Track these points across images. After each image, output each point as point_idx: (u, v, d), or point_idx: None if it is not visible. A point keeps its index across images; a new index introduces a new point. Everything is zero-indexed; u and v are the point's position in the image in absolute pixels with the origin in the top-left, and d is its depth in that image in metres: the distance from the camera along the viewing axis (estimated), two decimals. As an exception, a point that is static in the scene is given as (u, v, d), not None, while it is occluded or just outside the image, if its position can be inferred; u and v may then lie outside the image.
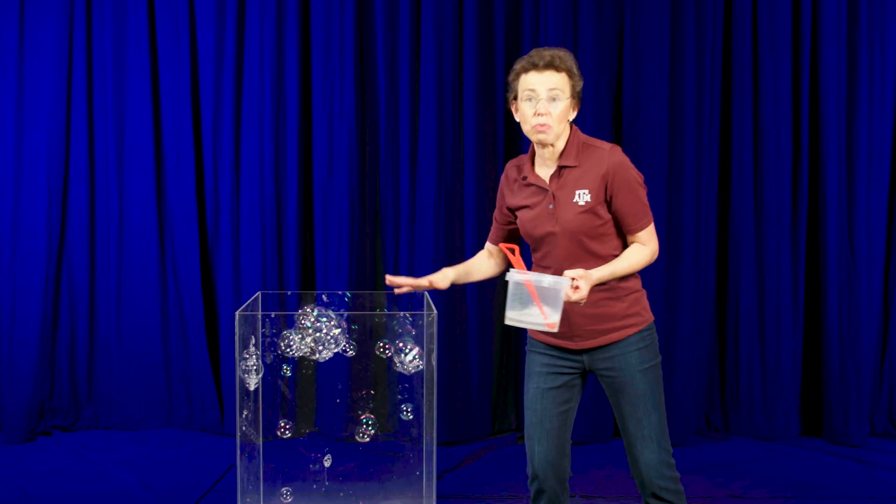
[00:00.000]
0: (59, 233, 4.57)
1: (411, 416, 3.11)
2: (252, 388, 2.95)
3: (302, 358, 2.93)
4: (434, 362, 2.91)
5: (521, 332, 4.60)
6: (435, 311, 2.89)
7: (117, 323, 4.63)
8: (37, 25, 4.51)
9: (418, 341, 2.94)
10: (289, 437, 3.13)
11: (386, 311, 3.64)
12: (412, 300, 3.94)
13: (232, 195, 4.54)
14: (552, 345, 2.59)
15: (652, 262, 2.56)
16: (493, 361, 4.55)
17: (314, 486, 3.29)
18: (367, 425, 3.07)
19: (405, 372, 2.93)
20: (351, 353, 2.98)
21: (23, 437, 4.44)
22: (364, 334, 3.18)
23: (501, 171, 4.51)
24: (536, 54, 2.48)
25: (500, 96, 4.50)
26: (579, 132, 2.54)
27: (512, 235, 2.73)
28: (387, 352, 2.95)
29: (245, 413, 2.96)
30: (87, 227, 4.60)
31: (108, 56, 4.54)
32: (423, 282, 2.62)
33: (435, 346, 2.89)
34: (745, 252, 4.44)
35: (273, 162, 4.50)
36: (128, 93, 4.57)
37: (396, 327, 3.02)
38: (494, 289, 4.55)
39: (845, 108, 4.39)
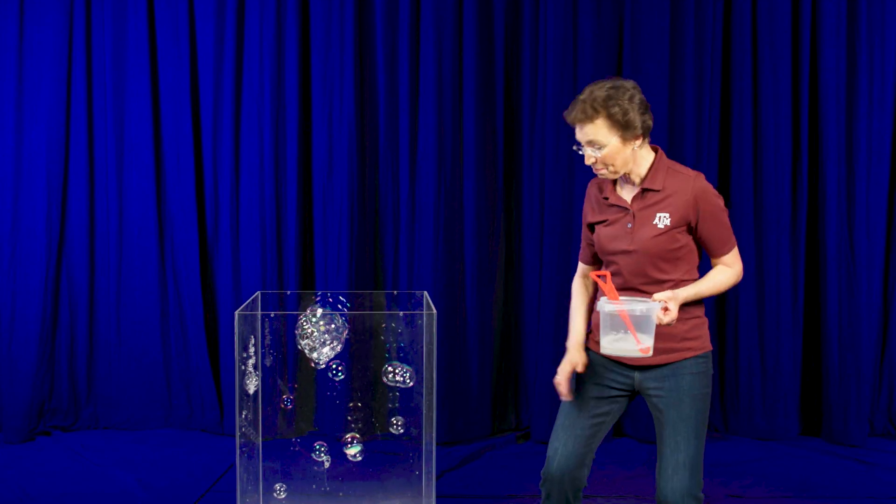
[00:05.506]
0: (58, 233, 4.57)
1: (402, 431, 3.11)
2: (251, 390, 2.95)
3: (306, 358, 2.94)
4: (434, 362, 2.91)
5: (520, 332, 4.61)
6: (435, 311, 2.89)
7: (117, 323, 4.63)
8: (37, 25, 4.50)
9: (418, 341, 2.94)
10: (324, 460, 3.14)
11: (385, 311, 3.64)
12: (412, 300, 3.94)
13: (232, 195, 4.54)
14: (608, 357, 2.56)
15: (737, 283, 2.58)
16: (493, 361, 4.55)
17: (314, 486, 3.29)
18: (354, 443, 3.09)
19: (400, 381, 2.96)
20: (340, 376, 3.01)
21: (22, 437, 4.44)
22: (364, 334, 3.18)
23: (501, 171, 4.52)
24: (571, 107, 2.49)
25: (499, 96, 4.50)
26: (664, 157, 2.54)
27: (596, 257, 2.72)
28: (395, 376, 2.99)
29: (245, 413, 2.96)
30: (87, 227, 4.60)
31: (107, 56, 4.54)
32: (579, 367, 2.60)
33: (435, 346, 2.89)
34: (744, 252, 4.44)
35: (273, 162, 4.50)
36: (127, 93, 4.57)
37: (395, 328, 3.03)
38: (494, 288, 4.55)
39: (845, 108, 4.39)
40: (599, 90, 2.45)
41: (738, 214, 4.45)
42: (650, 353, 2.36)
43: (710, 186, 2.51)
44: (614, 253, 2.53)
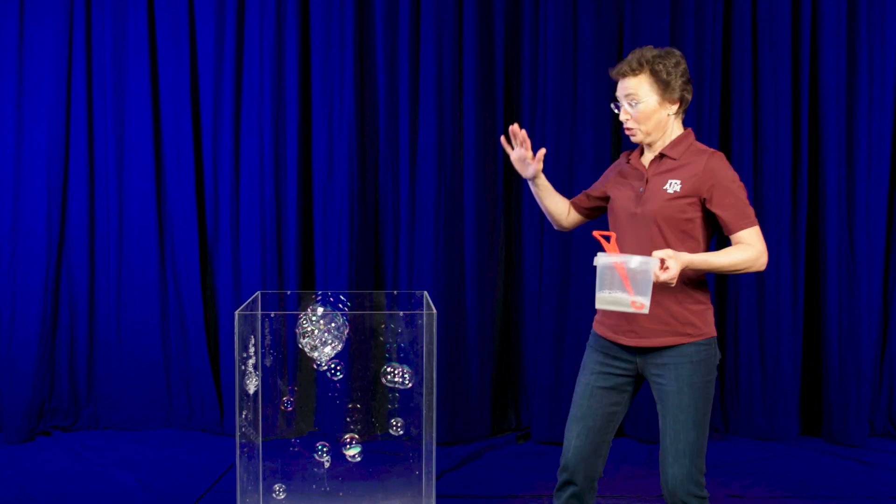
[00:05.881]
0: (58, 233, 4.57)
1: (401, 432, 3.11)
2: (251, 390, 2.95)
3: (306, 355, 2.94)
4: (434, 362, 2.90)
5: (520, 332, 4.61)
6: (434, 311, 2.89)
7: (117, 323, 4.63)
8: (37, 25, 4.51)
9: (418, 341, 2.94)
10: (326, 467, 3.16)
11: (386, 311, 3.64)
12: (412, 300, 3.94)
13: (232, 195, 4.54)
14: (609, 339, 2.60)
15: (758, 266, 2.47)
16: (493, 361, 4.55)
17: (314, 487, 3.29)
18: (353, 444, 3.10)
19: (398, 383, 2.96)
20: (339, 375, 3.01)
21: (23, 437, 4.44)
22: (364, 334, 3.18)
23: (501, 171, 4.52)
24: (623, 61, 2.58)
25: (499, 96, 4.50)
26: (692, 135, 2.60)
27: (587, 209, 2.86)
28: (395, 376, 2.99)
29: (245, 413, 2.96)
30: (87, 227, 4.60)
31: (107, 56, 4.54)
32: (528, 152, 2.74)
33: (435, 346, 2.89)
34: (744, 252, 4.44)
35: (273, 162, 4.50)
36: (128, 93, 4.57)
37: (395, 328, 3.02)
38: (494, 288, 4.55)
39: (845, 108, 4.40)
40: (649, 51, 2.56)
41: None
42: (645, 309, 2.30)
43: (725, 163, 2.52)
44: (623, 217, 2.57)
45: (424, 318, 2.91)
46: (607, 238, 2.40)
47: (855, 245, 4.41)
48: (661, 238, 2.49)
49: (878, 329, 4.51)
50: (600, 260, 2.33)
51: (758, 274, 4.46)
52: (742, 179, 4.38)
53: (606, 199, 2.75)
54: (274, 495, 3.12)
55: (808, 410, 4.59)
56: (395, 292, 4.48)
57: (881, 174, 4.44)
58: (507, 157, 4.55)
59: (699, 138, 4.37)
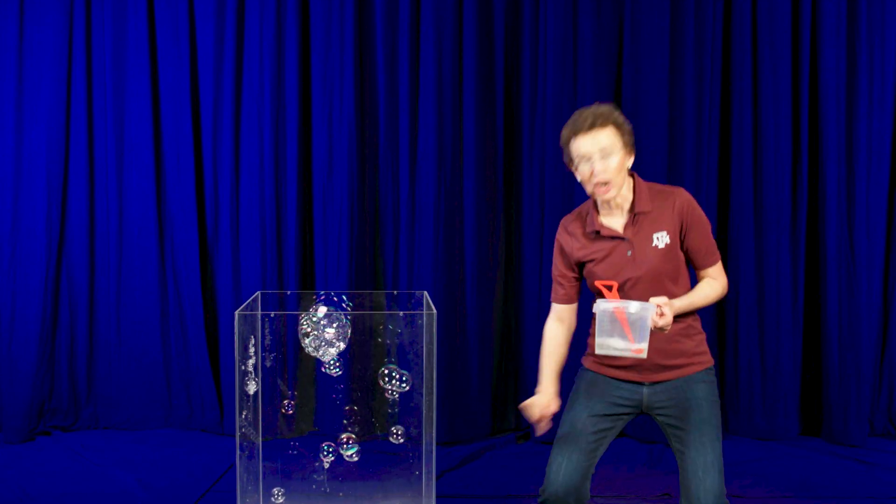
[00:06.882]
0: (58, 233, 4.57)
1: (401, 440, 3.11)
2: (251, 390, 2.95)
3: (306, 356, 2.94)
4: (434, 362, 2.90)
5: (520, 332, 4.60)
6: (434, 311, 2.89)
7: (117, 323, 4.63)
8: (37, 25, 4.51)
9: (418, 341, 2.94)
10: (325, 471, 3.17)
11: (386, 311, 3.64)
12: (412, 300, 3.94)
13: (232, 195, 4.54)
14: (618, 378, 2.58)
15: (722, 297, 2.62)
16: (493, 361, 4.55)
17: (314, 487, 3.29)
18: (350, 444, 3.10)
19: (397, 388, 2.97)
20: (336, 371, 3.01)
21: (22, 437, 4.44)
22: (364, 334, 3.18)
23: (501, 171, 4.51)
24: (580, 117, 2.52)
25: (499, 96, 4.50)
26: (640, 179, 2.59)
27: (577, 289, 2.70)
28: (391, 382, 3.00)
29: (245, 413, 2.96)
30: (87, 227, 4.60)
31: (107, 56, 4.54)
32: (547, 411, 2.62)
33: (435, 346, 2.89)
34: (744, 252, 4.44)
35: (273, 162, 4.50)
36: (128, 93, 4.57)
37: (394, 328, 3.02)
38: (494, 288, 4.54)
39: (845, 108, 4.39)
40: (602, 106, 2.53)
41: (738, 214, 4.45)
42: (643, 354, 2.38)
43: (692, 198, 2.57)
44: (621, 284, 2.53)
45: (424, 318, 2.91)
46: (609, 288, 2.47)
47: (855, 245, 4.41)
48: (663, 290, 2.50)
49: (878, 329, 4.51)
50: (600, 306, 2.39)
51: (757, 274, 4.46)
52: (742, 179, 4.46)
53: (580, 267, 2.64)
54: (273, 499, 3.12)
55: (808, 410, 4.58)
56: (395, 292, 4.48)
57: (881, 174, 4.43)
58: (507, 157, 4.56)
59: (699, 138, 4.39)
